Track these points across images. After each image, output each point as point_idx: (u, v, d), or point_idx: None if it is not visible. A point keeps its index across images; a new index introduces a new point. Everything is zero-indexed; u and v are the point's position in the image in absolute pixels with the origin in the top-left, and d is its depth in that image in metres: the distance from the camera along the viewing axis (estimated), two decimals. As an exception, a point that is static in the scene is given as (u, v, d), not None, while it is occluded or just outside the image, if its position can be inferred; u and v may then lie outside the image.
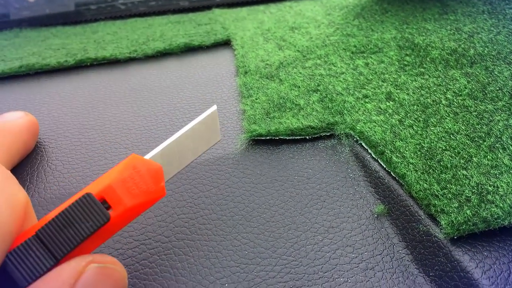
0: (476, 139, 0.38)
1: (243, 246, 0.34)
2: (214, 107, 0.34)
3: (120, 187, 0.26)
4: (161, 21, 0.67)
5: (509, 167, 0.35)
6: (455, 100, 0.42)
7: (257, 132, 0.41)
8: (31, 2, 0.72)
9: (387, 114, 0.42)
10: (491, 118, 0.40)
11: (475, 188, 0.34)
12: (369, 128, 0.40)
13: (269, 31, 0.60)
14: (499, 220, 0.31)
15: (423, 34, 0.53)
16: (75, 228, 0.24)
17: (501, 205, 0.32)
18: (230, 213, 0.36)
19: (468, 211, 0.32)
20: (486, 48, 0.48)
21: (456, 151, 0.37)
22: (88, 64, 0.56)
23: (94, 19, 0.71)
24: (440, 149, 0.37)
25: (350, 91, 0.45)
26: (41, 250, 0.23)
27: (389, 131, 0.40)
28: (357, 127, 0.41)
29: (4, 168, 0.26)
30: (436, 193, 0.34)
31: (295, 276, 0.32)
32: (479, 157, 0.36)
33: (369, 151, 0.39)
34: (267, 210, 0.36)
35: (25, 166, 0.40)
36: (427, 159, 0.37)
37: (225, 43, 0.60)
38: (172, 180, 0.38)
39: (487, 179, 0.34)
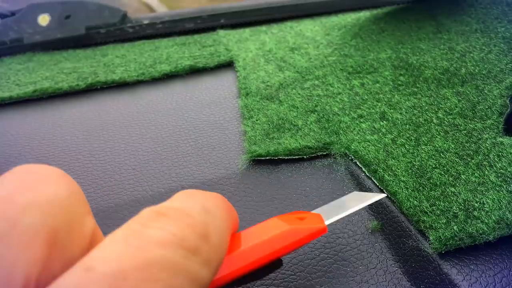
0: (465, 157, 0.40)
1: None
2: (383, 195, 0.35)
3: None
4: (167, 43, 0.70)
5: (496, 184, 0.37)
6: (445, 119, 0.44)
7: (257, 152, 0.43)
8: (43, 27, 0.76)
9: (380, 134, 0.44)
10: (479, 136, 0.42)
11: (462, 204, 0.36)
12: (363, 147, 0.43)
13: (270, 52, 0.63)
14: (484, 236, 0.33)
15: (417, 53, 0.56)
16: None
17: (487, 221, 0.34)
18: None
19: (455, 227, 0.34)
20: (477, 67, 0.50)
21: (445, 169, 0.39)
22: (99, 87, 0.59)
23: (103, 42, 0.74)
24: (430, 167, 0.39)
25: (346, 111, 0.48)
26: None
27: (382, 150, 0.42)
28: (352, 147, 0.43)
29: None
30: (425, 209, 0.36)
31: None
32: (467, 174, 0.38)
33: (363, 169, 0.41)
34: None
35: None
36: (418, 177, 0.39)
37: (228, 65, 0.63)
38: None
39: (474, 195, 0.36)
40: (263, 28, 0.73)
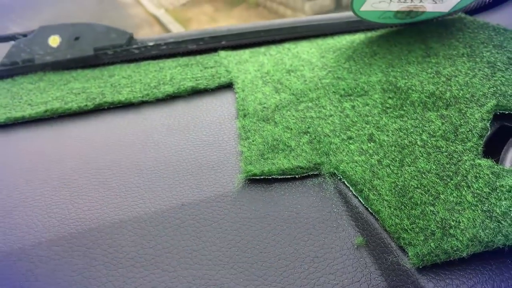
0: (445, 177, 0.43)
1: (238, 275, 0.39)
2: None
3: None
4: (171, 64, 0.74)
5: (472, 204, 0.40)
6: (429, 141, 0.48)
7: (252, 172, 0.46)
8: (54, 48, 0.80)
9: (367, 155, 0.47)
10: (459, 158, 0.45)
11: (440, 222, 0.39)
12: (351, 168, 0.46)
13: (268, 74, 0.66)
14: (458, 252, 0.36)
15: (406, 77, 0.59)
16: None
17: (461, 238, 0.37)
18: (228, 245, 0.41)
19: (432, 244, 0.37)
20: (461, 91, 0.54)
21: (426, 189, 0.42)
22: (106, 107, 0.63)
23: (111, 62, 0.78)
24: (412, 187, 0.42)
25: (337, 133, 0.51)
26: None
27: (368, 170, 0.45)
28: (341, 167, 0.46)
29: None
30: (406, 227, 0.39)
31: None
32: (446, 194, 0.41)
33: (351, 188, 0.44)
34: (260, 242, 0.42)
35: (51, 205, 0.46)
36: (400, 196, 0.42)
37: (228, 86, 0.66)
38: (178, 216, 0.44)
39: (451, 214, 0.39)
40: (262, 49, 0.77)
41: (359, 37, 0.76)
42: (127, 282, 0.39)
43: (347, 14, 0.81)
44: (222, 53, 0.76)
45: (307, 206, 0.45)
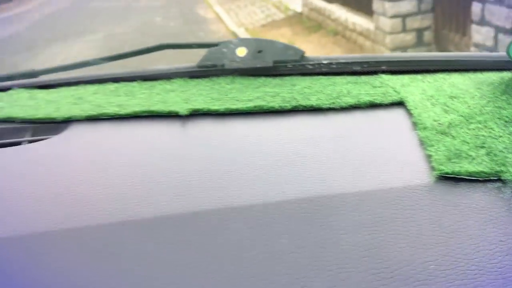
0: None
1: (436, 251, 0.52)
2: None
3: None
4: (341, 81, 0.89)
5: None
6: None
7: (444, 171, 0.60)
8: (241, 57, 0.98)
9: None
10: None
11: None
12: None
13: (432, 98, 0.79)
14: None
15: None
16: None
17: None
18: (428, 228, 0.54)
19: None
20: None
21: None
22: (300, 109, 0.79)
23: (287, 74, 0.95)
24: None
25: (510, 150, 0.63)
26: None
27: None
28: None
29: None
30: None
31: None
32: None
33: None
34: (456, 229, 0.53)
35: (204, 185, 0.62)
36: None
37: (398, 104, 0.80)
38: (370, 198, 0.57)
39: None
40: (419, 77, 0.90)
41: (507, 74, 0.87)
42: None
43: (495, 54, 0.93)
44: (385, 76, 0.90)
45: (490, 202, 0.57)
